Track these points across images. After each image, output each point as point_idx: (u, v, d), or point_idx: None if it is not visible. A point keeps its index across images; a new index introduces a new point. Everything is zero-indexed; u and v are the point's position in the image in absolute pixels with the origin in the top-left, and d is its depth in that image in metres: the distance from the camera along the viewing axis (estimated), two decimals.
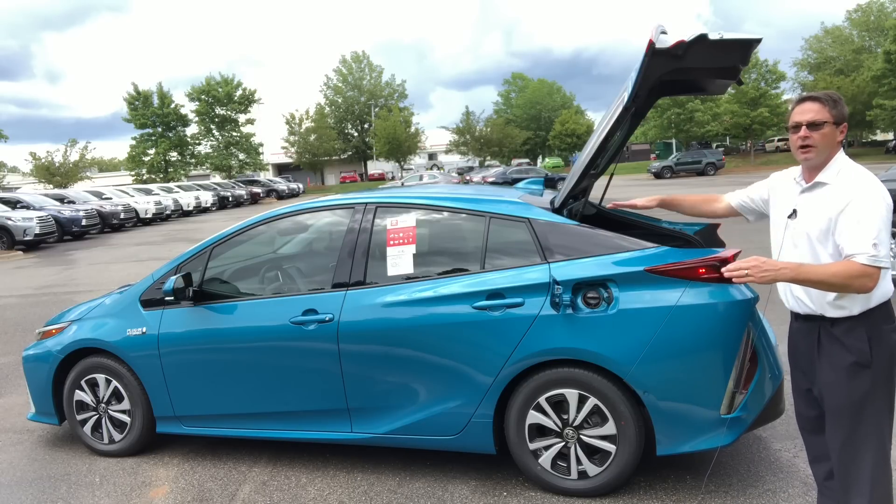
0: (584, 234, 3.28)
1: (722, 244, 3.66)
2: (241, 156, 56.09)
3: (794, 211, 2.39)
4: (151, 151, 53.13)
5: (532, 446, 3.27)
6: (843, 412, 2.30)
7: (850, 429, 2.29)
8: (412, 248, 3.48)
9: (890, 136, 52.98)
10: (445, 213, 3.62)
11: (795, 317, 2.47)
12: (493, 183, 34.03)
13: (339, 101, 65.08)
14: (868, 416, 2.27)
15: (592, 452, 3.20)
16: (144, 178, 51.70)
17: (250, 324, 3.68)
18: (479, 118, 59.63)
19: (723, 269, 2.36)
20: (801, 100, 2.36)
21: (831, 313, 2.28)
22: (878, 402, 2.27)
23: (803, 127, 2.31)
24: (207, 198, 34.79)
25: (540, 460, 3.27)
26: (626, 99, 3.06)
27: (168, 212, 29.34)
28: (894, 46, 40.24)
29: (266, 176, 56.79)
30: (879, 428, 2.29)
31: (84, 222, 21.80)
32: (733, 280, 2.31)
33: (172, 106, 53.18)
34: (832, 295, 2.26)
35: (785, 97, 50.03)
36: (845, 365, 2.26)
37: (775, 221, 2.53)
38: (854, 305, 2.24)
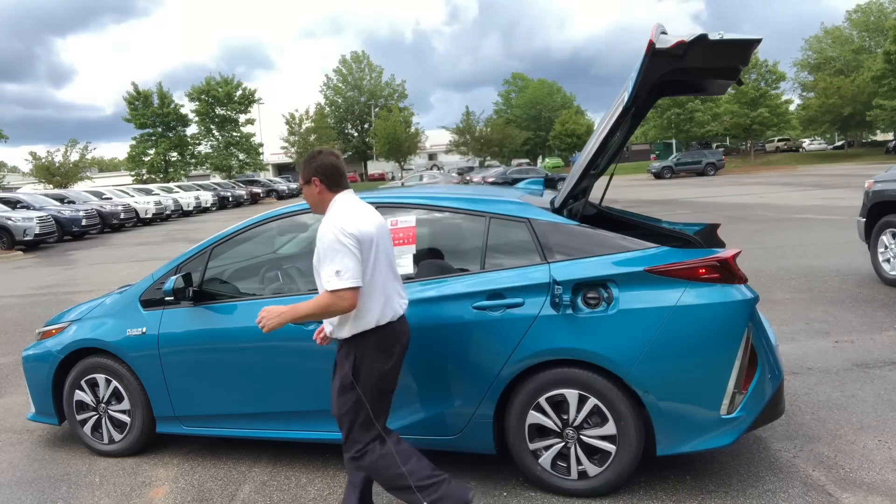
0: (584, 234, 3.28)
1: (722, 244, 3.66)
2: (241, 156, 56.01)
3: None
4: (151, 151, 53.07)
5: (532, 446, 3.27)
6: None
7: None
8: (412, 249, 3.48)
9: (890, 136, 53.07)
10: (445, 213, 3.62)
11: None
12: (493, 183, 34.04)
13: (339, 101, 65.11)
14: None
15: (592, 453, 3.20)
16: (144, 178, 51.67)
17: (250, 324, 3.65)
18: (479, 118, 59.71)
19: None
20: None
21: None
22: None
23: None
24: (207, 198, 34.82)
25: (540, 460, 3.26)
26: (626, 99, 3.07)
27: (168, 212, 29.37)
28: (894, 47, 40.29)
29: (266, 176, 56.75)
30: None
31: (84, 222, 21.82)
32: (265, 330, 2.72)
33: (172, 106, 53.13)
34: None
35: (785, 97, 50.06)
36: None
37: None
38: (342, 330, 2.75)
